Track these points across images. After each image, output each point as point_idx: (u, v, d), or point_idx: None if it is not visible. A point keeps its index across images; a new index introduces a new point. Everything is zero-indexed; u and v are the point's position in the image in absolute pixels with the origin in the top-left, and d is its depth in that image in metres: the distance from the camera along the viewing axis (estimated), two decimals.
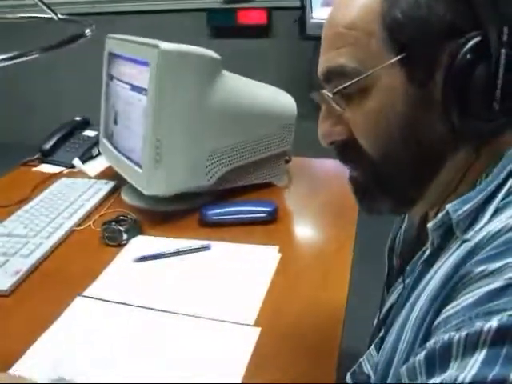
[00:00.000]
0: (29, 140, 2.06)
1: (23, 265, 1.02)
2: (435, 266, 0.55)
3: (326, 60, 0.58)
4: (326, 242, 1.14)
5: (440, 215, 0.55)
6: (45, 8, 0.81)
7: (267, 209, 1.16)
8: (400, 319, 0.58)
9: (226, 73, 1.17)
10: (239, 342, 0.83)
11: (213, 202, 1.23)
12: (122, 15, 3.32)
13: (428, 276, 0.55)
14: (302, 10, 2.73)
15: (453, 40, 0.51)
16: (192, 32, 3.19)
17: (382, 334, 0.67)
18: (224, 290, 0.96)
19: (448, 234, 0.55)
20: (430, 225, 0.56)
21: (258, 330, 0.85)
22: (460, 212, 0.53)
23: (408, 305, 0.57)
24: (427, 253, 0.58)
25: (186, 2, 3.18)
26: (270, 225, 1.16)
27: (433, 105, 0.53)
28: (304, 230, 1.23)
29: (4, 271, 1.00)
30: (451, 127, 0.53)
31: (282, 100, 1.30)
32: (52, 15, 0.83)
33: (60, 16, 0.82)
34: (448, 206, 0.54)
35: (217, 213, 1.16)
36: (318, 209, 1.27)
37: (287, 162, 1.39)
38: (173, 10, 3.23)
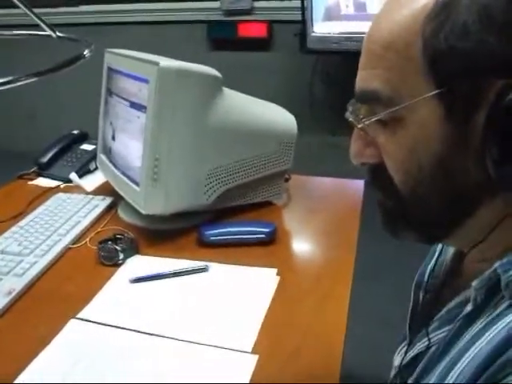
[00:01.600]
0: (28, 150, 2.04)
1: (17, 285, 0.99)
2: (477, 325, 0.51)
3: (362, 79, 0.55)
4: (326, 263, 1.12)
5: (487, 273, 0.51)
6: (44, 26, 0.80)
7: (266, 230, 1.14)
8: (433, 376, 0.54)
9: (226, 90, 1.15)
10: (236, 370, 0.80)
11: (211, 221, 1.21)
12: (122, 25, 3.32)
13: (469, 334, 0.52)
14: (303, 24, 2.72)
15: (502, 79, 0.46)
16: (192, 44, 3.19)
17: None
18: (221, 314, 0.93)
19: (492, 290, 0.51)
20: (475, 283, 0.53)
21: (256, 357, 0.83)
22: (511, 273, 0.49)
23: (444, 363, 0.53)
24: (468, 309, 0.54)
25: (186, 13, 3.19)
26: (268, 245, 1.14)
27: (469, 147, 0.49)
28: (303, 252, 1.21)
29: None
30: (486, 174, 0.48)
31: (282, 119, 1.28)
32: (50, 33, 0.81)
33: (59, 34, 0.81)
34: (497, 265, 0.50)
35: (215, 233, 1.14)
36: (317, 228, 1.25)
37: (287, 180, 1.37)
38: (173, 21, 3.23)
